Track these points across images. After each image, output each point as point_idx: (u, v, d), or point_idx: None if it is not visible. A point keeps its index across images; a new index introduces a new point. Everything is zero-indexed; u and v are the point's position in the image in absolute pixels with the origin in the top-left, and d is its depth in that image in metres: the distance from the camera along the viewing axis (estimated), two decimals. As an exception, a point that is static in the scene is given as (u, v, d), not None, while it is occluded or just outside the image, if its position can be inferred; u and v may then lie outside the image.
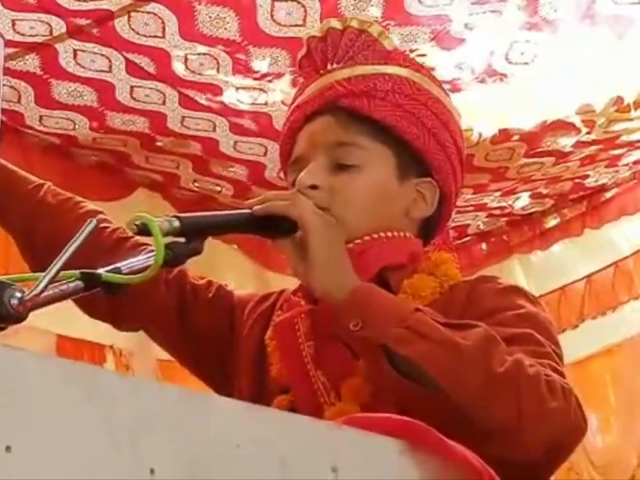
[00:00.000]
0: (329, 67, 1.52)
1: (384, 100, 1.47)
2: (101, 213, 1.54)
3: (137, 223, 1.17)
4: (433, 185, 1.50)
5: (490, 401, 1.20)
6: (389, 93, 1.48)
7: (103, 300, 1.38)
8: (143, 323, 1.56)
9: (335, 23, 1.53)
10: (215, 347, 1.53)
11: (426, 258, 1.46)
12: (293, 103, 1.55)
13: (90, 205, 1.54)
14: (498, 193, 4.58)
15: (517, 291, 1.41)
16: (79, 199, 1.55)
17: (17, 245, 1.53)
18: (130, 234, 1.48)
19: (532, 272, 4.86)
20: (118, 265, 1.18)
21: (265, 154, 4.10)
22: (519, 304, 1.36)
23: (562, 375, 1.26)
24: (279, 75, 3.55)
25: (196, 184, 4.38)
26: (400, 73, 1.50)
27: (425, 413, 1.17)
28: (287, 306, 1.47)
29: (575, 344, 4.43)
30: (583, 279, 4.73)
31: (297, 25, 3.26)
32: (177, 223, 1.21)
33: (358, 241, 1.41)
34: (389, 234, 1.45)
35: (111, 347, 4.09)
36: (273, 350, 1.45)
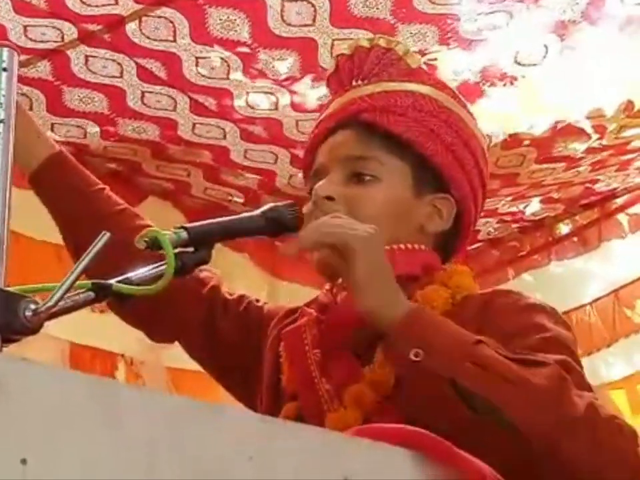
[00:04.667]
0: (354, 83, 1.55)
1: (404, 115, 1.49)
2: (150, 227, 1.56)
3: (146, 238, 1.19)
4: (450, 200, 1.50)
5: (565, 442, 1.19)
6: (409, 108, 1.49)
7: (138, 310, 1.41)
8: (175, 334, 1.60)
9: (363, 42, 1.56)
10: (242, 360, 1.55)
11: (442, 270, 1.47)
12: (319, 117, 1.58)
13: (145, 220, 1.58)
14: (509, 198, 4.57)
15: (537, 308, 1.39)
16: (134, 210, 1.60)
17: (63, 234, 1.57)
18: None
19: (551, 287, 4.68)
20: (128, 275, 1.19)
21: (276, 161, 4.10)
22: (541, 324, 1.34)
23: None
24: (292, 79, 3.55)
25: (207, 192, 4.38)
26: (422, 90, 1.52)
27: (490, 448, 1.14)
28: (300, 316, 1.50)
29: (611, 364, 4.33)
30: (610, 294, 4.56)
31: (306, 25, 3.26)
32: (184, 234, 1.23)
33: None
34: (402, 246, 1.46)
35: (122, 355, 4.09)
36: (284, 359, 1.47)
